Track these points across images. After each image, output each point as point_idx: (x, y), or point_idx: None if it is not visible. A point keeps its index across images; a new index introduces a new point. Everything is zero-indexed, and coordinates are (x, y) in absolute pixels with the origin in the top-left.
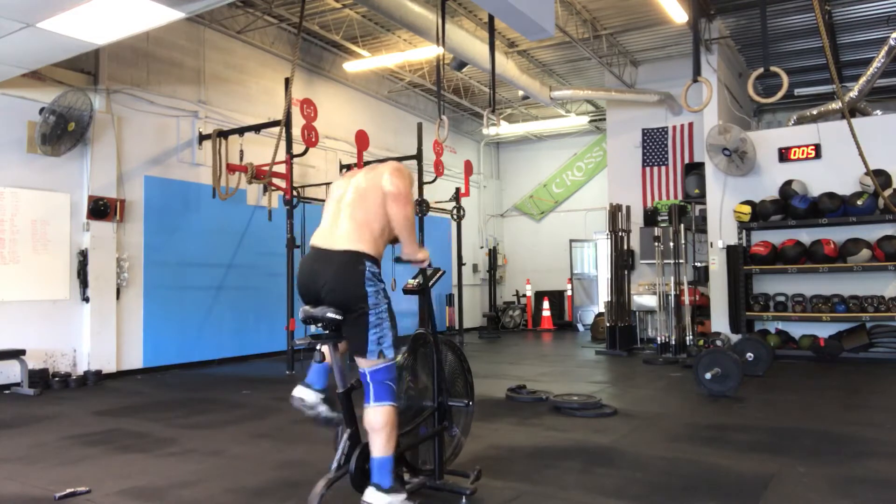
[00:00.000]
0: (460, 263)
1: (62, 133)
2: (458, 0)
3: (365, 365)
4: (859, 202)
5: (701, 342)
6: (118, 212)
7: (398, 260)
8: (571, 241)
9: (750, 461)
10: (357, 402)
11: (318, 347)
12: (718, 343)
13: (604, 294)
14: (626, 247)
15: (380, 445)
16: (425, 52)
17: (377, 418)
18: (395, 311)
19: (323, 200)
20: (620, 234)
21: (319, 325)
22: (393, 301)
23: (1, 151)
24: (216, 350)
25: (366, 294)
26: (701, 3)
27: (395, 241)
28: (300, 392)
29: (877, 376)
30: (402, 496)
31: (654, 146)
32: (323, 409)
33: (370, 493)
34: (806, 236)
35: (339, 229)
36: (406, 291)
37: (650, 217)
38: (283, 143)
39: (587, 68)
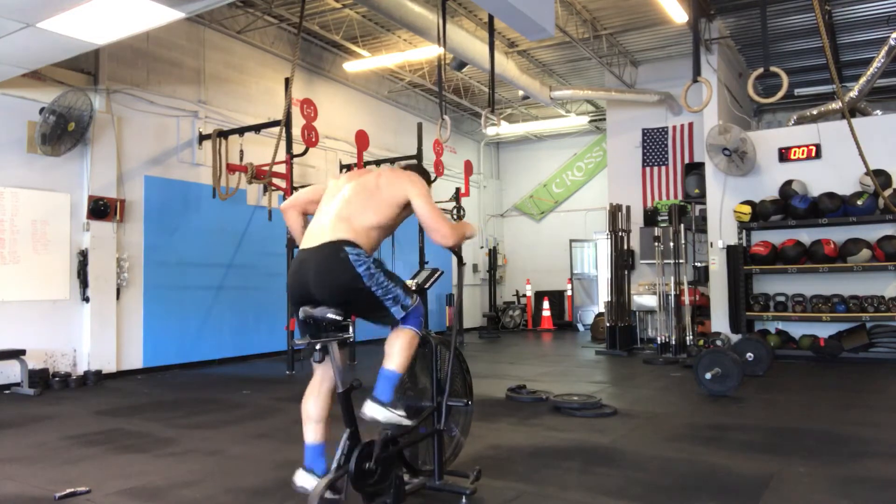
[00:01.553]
0: (461, 264)
1: (62, 133)
2: (458, 0)
3: (398, 321)
4: (859, 202)
5: (701, 342)
6: (118, 212)
7: (452, 250)
8: (571, 241)
9: (750, 461)
10: (357, 403)
11: (317, 347)
12: (718, 343)
13: (604, 294)
14: (626, 247)
15: (396, 362)
16: (425, 52)
17: (403, 337)
18: (390, 270)
19: None
20: (620, 234)
21: (319, 326)
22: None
23: (1, 151)
24: (216, 350)
25: (359, 275)
26: (701, 3)
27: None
28: (302, 480)
29: (877, 376)
30: (401, 412)
31: (654, 146)
32: (330, 496)
33: (368, 405)
34: (806, 236)
35: (321, 228)
36: None
37: (650, 217)
38: (283, 143)
39: (587, 68)
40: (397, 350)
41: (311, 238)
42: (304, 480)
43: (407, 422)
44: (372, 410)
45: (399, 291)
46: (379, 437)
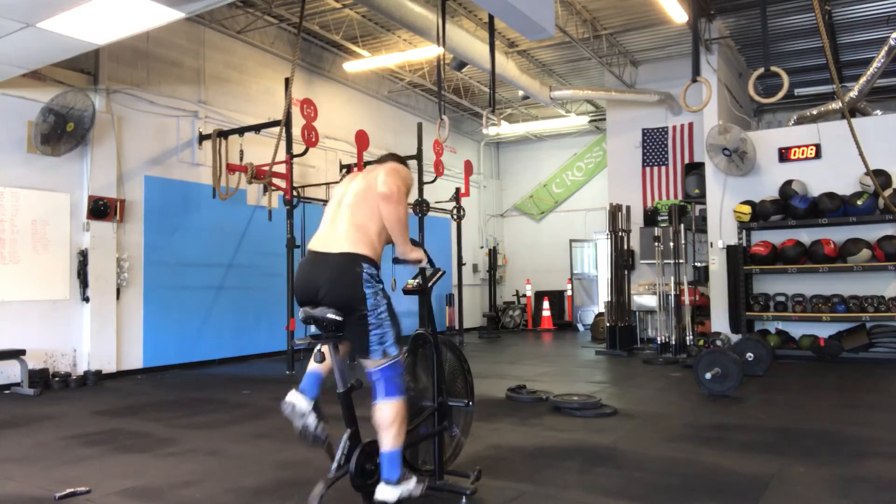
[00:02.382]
0: (460, 263)
1: (62, 133)
2: (458, 0)
3: (370, 365)
4: (859, 202)
5: (701, 342)
6: (118, 212)
7: (396, 261)
8: (571, 241)
9: (750, 461)
10: (357, 403)
11: (318, 347)
12: (718, 343)
13: (604, 294)
14: (626, 247)
15: (389, 441)
16: (425, 52)
17: (387, 414)
18: (395, 310)
19: (323, 200)
20: (620, 234)
21: (318, 326)
22: (393, 300)
23: (1, 151)
24: (216, 350)
25: (364, 296)
26: (701, 3)
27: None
28: (293, 397)
29: (877, 376)
30: (413, 480)
31: (654, 146)
32: (311, 420)
33: (381, 490)
34: (806, 236)
35: (335, 232)
36: (406, 292)
37: (650, 217)
38: (283, 143)
39: (587, 68)
40: (391, 431)
41: (325, 242)
42: (294, 397)
43: (419, 491)
44: (385, 493)
45: (390, 334)
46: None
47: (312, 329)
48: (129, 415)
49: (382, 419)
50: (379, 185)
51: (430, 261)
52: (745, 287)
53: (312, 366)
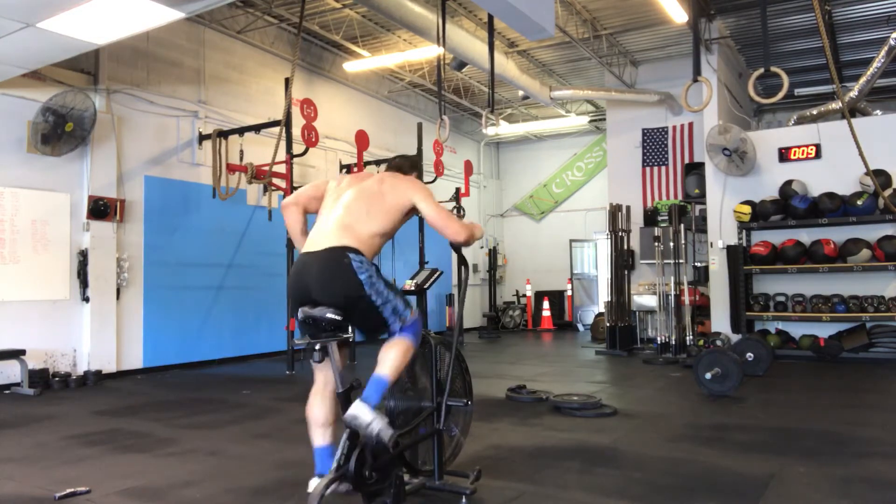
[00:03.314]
0: (460, 263)
1: (62, 133)
2: (458, 0)
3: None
4: (859, 202)
5: (701, 342)
6: (118, 212)
7: (458, 249)
8: (571, 241)
9: (750, 461)
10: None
11: (316, 347)
12: (718, 343)
13: (604, 294)
14: (626, 247)
15: (386, 368)
16: (425, 52)
17: (397, 346)
18: (389, 281)
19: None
20: (620, 234)
21: (318, 326)
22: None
23: (1, 151)
24: (216, 350)
25: (361, 282)
26: (701, 3)
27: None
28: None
29: (877, 376)
30: (385, 420)
31: (654, 146)
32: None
33: (357, 405)
34: (806, 236)
35: (323, 232)
36: (405, 292)
37: (650, 217)
38: (283, 143)
39: (587, 68)
40: (391, 358)
41: (314, 242)
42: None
43: (388, 431)
44: (358, 409)
45: (398, 303)
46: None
47: (298, 340)
48: (129, 415)
49: (391, 349)
50: (418, 202)
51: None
52: (745, 287)
53: (317, 441)
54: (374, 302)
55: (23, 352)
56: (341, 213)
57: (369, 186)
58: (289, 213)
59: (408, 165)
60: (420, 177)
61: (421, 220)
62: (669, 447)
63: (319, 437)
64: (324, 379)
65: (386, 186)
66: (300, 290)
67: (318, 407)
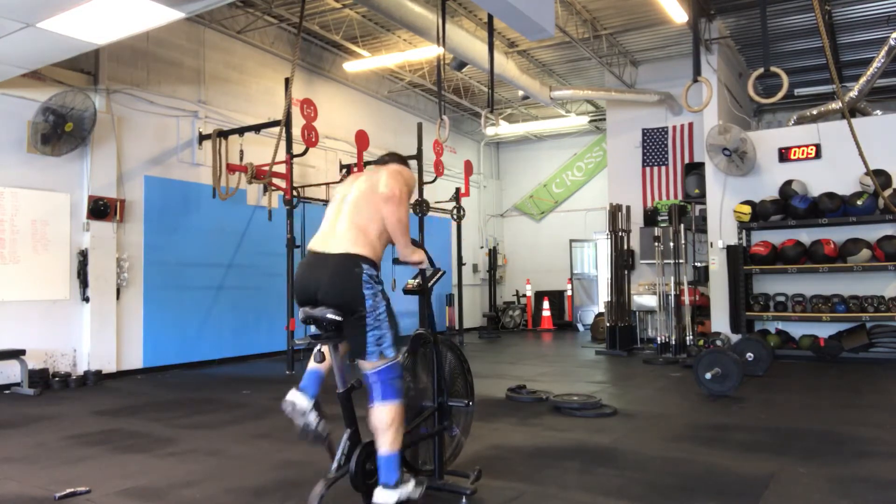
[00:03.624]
0: (460, 263)
1: (62, 134)
2: (458, 0)
3: (367, 367)
4: (859, 202)
5: (701, 342)
6: (118, 212)
7: (396, 262)
8: (571, 241)
9: (750, 461)
10: (358, 403)
11: (317, 347)
12: (718, 343)
13: (604, 294)
14: (626, 247)
15: (387, 443)
16: (425, 52)
17: (384, 417)
18: (394, 311)
19: (323, 200)
20: (620, 234)
21: (318, 326)
22: (393, 301)
23: (1, 151)
24: (216, 350)
25: (363, 297)
26: (701, 3)
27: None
28: (293, 396)
29: (877, 376)
30: (411, 483)
31: (654, 146)
32: (312, 418)
33: (379, 494)
34: (806, 236)
35: (335, 233)
36: (406, 292)
37: (650, 217)
38: (283, 143)
39: (587, 68)
40: (389, 434)
41: (325, 242)
42: (294, 396)
43: (417, 494)
44: (384, 497)
45: (388, 336)
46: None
47: (312, 329)
48: (129, 415)
49: (379, 422)
50: (381, 187)
51: (430, 261)
52: (745, 287)
53: (312, 364)
54: (364, 319)
55: (23, 352)
56: (352, 212)
57: (370, 183)
58: None
59: (396, 160)
60: (404, 162)
61: (421, 220)
62: (669, 447)
63: (314, 365)
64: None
65: (374, 177)
66: (307, 289)
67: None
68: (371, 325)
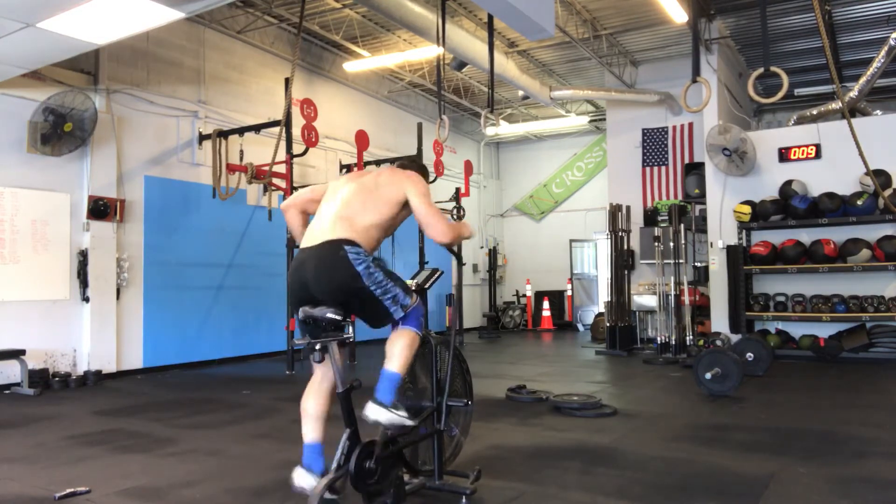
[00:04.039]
0: (460, 263)
1: (62, 134)
2: (458, 0)
3: (397, 316)
4: (859, 202)
5: (701, 342)
6: (118, 212)
7: (449, 249)
8: (571, 241)
9: (750, 461)
10: (358, 403)
11: (316, 347)
12: (718, 343)
13: (604, 294)
14: (626, 247)
15: (395, 363)
16: (425, 52)
17: (403, 338)
18: (390, 270)
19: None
20: (620, 234)
21: (318, 326)
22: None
23: (1, 151)
24: (216, 350)
25: (359, 273)
26: (701, 3)
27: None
28: (300, 479)
29: (877, 376)
30: (403, 413)
31: (654, 146)
32: (327, 496)
33: (370, 407)
34: (806, 236)
35: (322, 228)
36: None
37: (650, 217)
38: (283, 143)
39: (587, 68)
40: (398, 351)
41: (311, 237)
42: (303, 479)
43: (409, 422)
44: (374, 412)
45: (398, 291)
46: (379, 437)
47: (298, 340)
48: (129, 415)
49: (397, 341)
50: (407, 192)
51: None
52: (745, 287)
53: (307, 436)
54: (373, 292)
55: (23, 352)
56: (339, 206)
57: (367, 181)
58: (288, 215)
59: (414, 166)
60: (425, 177)
61: None
62: (669, 447)
63: (310, 430)
64: (322, 374)
65: (382, 179)
66: (299, 286)
67: (312, 401)
68: (380, 292)
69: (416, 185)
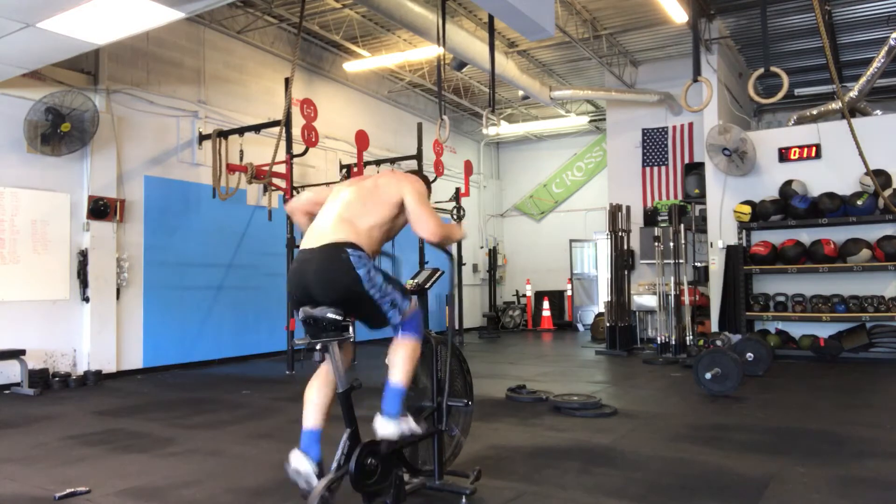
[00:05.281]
0: (460, 263)
1: (63, 134)
2: (458, 0)
3: (395, 321)
4: (859, 202)
5: (701, 342)
6: (118, 212)
7: (439, 247)
8: (571, 241)
9: (750, 461)
10: (358, 403)
11: (317, 347)
12: (718, 343)
13: (604, 294)
14: (626, 247)
15: (399, 375)
16: (425, 52)
17: (404, 349)
18: (388, 274)
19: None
20: (620, 234)
21: (318, 326)
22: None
23: (1, 151)
24: (216, 350)
25: (359, 277)
26: (701, 3)
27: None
28: (296, 461)
29: (877, 376)
30: (409, 420)
31: (654, 146)
32: (315, 486)
33: (380, 423)
34: (806, 236)
35: (323, 229)
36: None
37: (650, 217)
38: (283, 143)
39: (587, 68)
40: (399, 362)
41: (313, 239)
42: (299, 462)
43: (419, 430)
44: (383, 427)
45: (396, 295)
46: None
47: (298, 342)
48: (129, 415)
49: (398, 353)
50: (404, 192)
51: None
52: (745, 287)
53: (307, 421)
54: (372, 296)
55: (23, 352)
56: (340, 208)
57: (367, 183)
58: (296, 217)
59: (417, 174)
60: (428, 185)
61: None
62: (669, 447)
63: (310, 416)
64: (329, 367)
65: (382, 180)
66: (299, 287)
67: (317, 390)
68: (379, 297)
69: (413, 185)
